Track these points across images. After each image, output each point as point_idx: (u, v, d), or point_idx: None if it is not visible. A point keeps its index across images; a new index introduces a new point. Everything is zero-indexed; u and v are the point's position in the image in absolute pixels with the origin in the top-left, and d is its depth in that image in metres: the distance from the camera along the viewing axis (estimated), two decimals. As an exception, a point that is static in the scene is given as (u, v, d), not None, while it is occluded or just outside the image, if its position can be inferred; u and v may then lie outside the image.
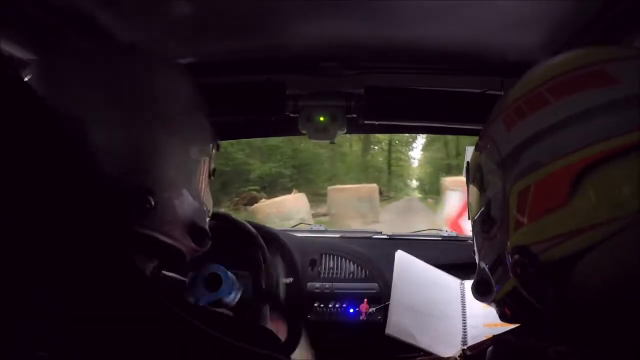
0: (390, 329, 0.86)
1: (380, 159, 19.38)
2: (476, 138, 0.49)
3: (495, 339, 0.40)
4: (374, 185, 9.43)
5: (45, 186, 0.33)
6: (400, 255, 1.02)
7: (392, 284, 0.94)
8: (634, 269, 0.33)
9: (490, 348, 0.39)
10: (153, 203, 0.43)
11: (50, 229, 0.34)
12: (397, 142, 19.15)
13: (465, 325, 0.90)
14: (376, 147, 19.07)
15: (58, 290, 0.34)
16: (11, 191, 0.31)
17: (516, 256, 0.38)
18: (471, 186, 0.49)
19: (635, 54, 0.38)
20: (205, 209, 0.53)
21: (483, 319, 0.89)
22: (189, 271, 0.90)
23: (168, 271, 0.54)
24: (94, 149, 0.40)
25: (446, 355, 0.82)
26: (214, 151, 0.56)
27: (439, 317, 0.92)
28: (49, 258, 0.34)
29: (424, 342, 0.85)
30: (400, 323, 0.87)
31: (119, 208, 0.41)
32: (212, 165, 0.55)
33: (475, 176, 0.47)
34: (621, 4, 0.57)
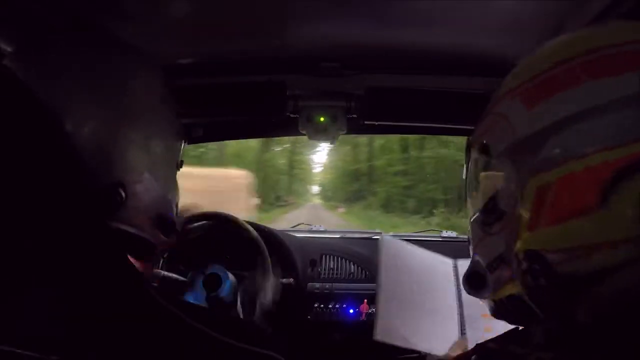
0: (379, 334, 0.80)
1: (282, 161, 17.16)
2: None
3: (479, 348, 0.39)
4: (241, 173, 5.89)
5: (33, 182, 0.33)
6: (386, 241, 0.93)
7: (378, 278, 0.86)
8: None
9: (474, 356, 0.39)
10: (124, 196, 0.43)
11: (45, 226, 0.34)
12: (300, 143, 15.88)
13: (462, 315, 0.87)
14: (278, 148, 16.66)
15: (56, 290, 0.34)
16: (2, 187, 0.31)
17: (527, 263, 0.32)
18: (472, 168, 0.43)
19: None
20: (172, 199, 0.53)
21: (481, 309, 0.83)
22: (189, 271, 0.90)
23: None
24: (68, 142, 0.40)
25: (442, 353, 0.81)
26: (182, 144, 0.56)
27: (433, 310, 0.87)
28: (46, 257, 0.34)
29: (418, 342, 0.82)
30: (390, 326, 0.82)
31: (92, 202, 0.40)
32: (180, 158, 0.56)
33: (479, 158, 0.40)
34: (623, 4, 0.56)
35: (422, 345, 0.82)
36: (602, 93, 0.29)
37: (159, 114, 0.50)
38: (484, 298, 0.43)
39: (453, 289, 0.92)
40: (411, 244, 0.98)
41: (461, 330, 0.86)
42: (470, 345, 0.83)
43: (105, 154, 0.43)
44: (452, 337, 0.85)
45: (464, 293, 0.89)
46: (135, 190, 0.45)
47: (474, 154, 0.42)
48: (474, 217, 0.41)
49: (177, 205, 0.55)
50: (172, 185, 0.54)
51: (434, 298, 0.90)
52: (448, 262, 0.97)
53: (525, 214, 0.32)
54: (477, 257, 0.42)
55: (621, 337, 0.29)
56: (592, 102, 0.29)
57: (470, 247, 0.45)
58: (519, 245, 0.33)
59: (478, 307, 0.84)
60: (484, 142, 0.39)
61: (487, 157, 0.38)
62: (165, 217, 0.51)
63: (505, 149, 0.35)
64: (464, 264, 0.95)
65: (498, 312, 0.42)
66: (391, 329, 0.82)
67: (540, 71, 0.34)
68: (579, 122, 0.30)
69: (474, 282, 0.42)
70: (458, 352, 0.80)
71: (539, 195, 0.31)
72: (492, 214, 0.37)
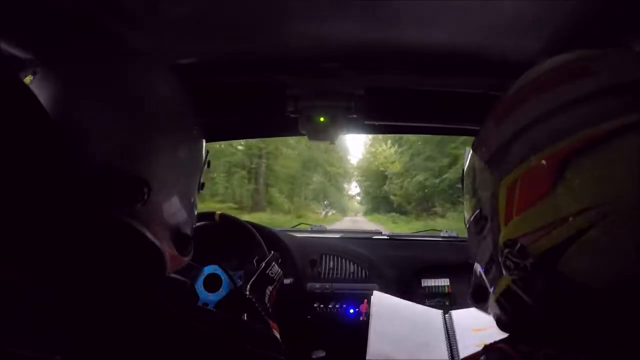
0: (371, 355, 0.84)
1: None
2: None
3: (487, 348, 0.40)
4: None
5: (38, 178, 0.33)
6: (377, 296, 1.01)
7: (370, 320, 0.92)
8: (619, 256, 0.33)
9: (482, 357, 0.39)
10: (146, 195, 0.44)
11: (47, 224, 0.34)
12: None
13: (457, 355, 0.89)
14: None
15: (57, 289, 0.34)
16: (9, 183, 0.31)
17: (506, 250, 0.38)
18: (466, 188, 0.50)
19: (611, 50, 0.40)
20: (192, 218, 0.54)
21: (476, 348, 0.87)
22: (189, 271, 0.90)
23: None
24: (93, 144, 0.41)
25: None
26: (205, 167, 0.57)
27: (424, 345, 0.90)
28: (48, 255, 0.34)
29: None
30: (381, 350, 0.85)
31: (114, 192, 0.42)
32: (202, 180, 0.57)
33: (468, 178, 0.49)
34: (621, 5, 0.57)
35: None
36: (545, 104, 0.38)
37: (186, 130, 0.51)
38: (488, 311, 0.47)
39: (443, 338, 0.93)
40: (401, 300, 1.01)
41: None
42: None
43: (132, 155, 0.44)
44: None
45: (457, 338, 0.90)
46: (159, 196, 0.46)
47: (466, 175, 0.50)
48: (470, 230, 0.47)
49: (193, 225, 0.55)
50: (192, 203, 0.54)
51: (424, 338, 0.92)
52: (437, 312, 0.99)
53: (502, 212, 0.40)
54: (478, 269, 0.47)
55: (612, 321, 0.34)
56: (538, 112, 0.38)
57: (473, 261, 0.49)
58: (500, 239, 0.40)
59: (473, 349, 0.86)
60: (472, 163, 0.48)
61: (474, 175, 0.47)
62: (182, 232, 0.51)
63: (484, 165, 0.44)
64: (457, 314, 0.97)
65: (499, 316, 0.44)
66: (382, 352, 0.84)
67: (505, 98, 0.43)
68: (531, 128, 0.38)
69: (476, 295, 0.47)
70: None
71: (509, 192, 0.39)
72: (480, 221, 0.44)
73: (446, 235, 1.38)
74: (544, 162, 0.36)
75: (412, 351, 0.87)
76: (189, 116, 0.52)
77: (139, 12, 0.63)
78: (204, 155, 0.56)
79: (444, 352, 0.88)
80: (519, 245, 0.37)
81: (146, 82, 0.47)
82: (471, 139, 0.49)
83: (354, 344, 1.05)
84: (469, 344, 0.87)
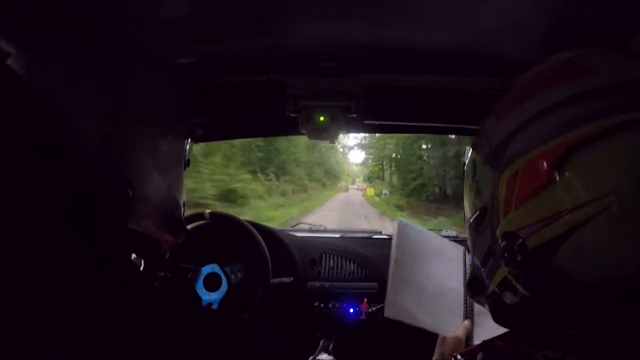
0: (390, 311, 0.82)
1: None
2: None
3: (485, 345, 0.41)
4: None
5: (32, 182, 0.33)
6: (401, 224, 0.97)
7: (391, 258, 0.90)
8: (615, 251, 0.34)
9: (480, 354, 0.39)
10: (131, 194, 0.43)
11: (46, 227, 0.34)
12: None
13: (467, 299, 0.88)
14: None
15: (57, 290, 0.35)
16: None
17: (504, 242, 0.39)
18: (467, 185, 0.51)
19: (607, 49, 0.42)
20: (179, 199, 0.54)
21: None
22: (188, 271, 0.90)
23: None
24: (73, 141, 0.40)
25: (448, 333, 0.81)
26: (188, 143, 0.57)
27: (441, 294, 0.89)
28: (47, 257, 0.34)
29: (426, 321, 0.83)
30: (400, 303, 0.84)
31: (99, 200, 0.41)
32: (187, 157, 0.56)
33: (469, 173, 0.49)
34: (620, 4, 0.57)
35: (429, 324, 0.83)
36: (547, 99, 0.39)
37: (166, 113, 0.50)
38: (484, 303, 0.47)
39: (460, 274, 0.93)
40: (424, 230, 1.01)
41: (465, 313, 0.87)
42: (478, 330, 0.84)
43: (112, 153, 0.43)
44: (458, 319, 0.86)
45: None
46: (143, 189, 0.46)
47: (467, 169, 0.50)
48: (469, 222, 0.47)
49: (184, 204, 0.56)
50: (180, 185, 0.54)
51: (443, 282, 0.91)
52: (459, 248, 0.99)
53: (501, 205, 0.40)
54: (475, 261, 0.47)
55: (611, 317, 0.35)
56: (540, 107, 0.39)
57: (470, 254, 0.49)
58: (498, 231, 0.41)
59: None
60: (473, 158, 0.48)
61: (475, 169, 0.47)
62: (172, 217, 0.51)
63: (485, 158, 0.44)
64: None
65: (495, 308, 0.45)
66: (400, 307, 0.83)
67: (508, 95, 0.45)
68: (533, 122, 0.39)
69: (472, 287, 0.48)
70: (462, 334, 0.80)
71: (509, 185, 0.39)
72: (479, 215, 0.45)
73: (446, 234, 1.38)
74: (543, 155, 0.36)
75: (432, 304, 0.86)
76: (173, 108, 0.52)
77: (139, 12, 0.63)
78: (186, 134, 0.56)
79: (460, 312, 0.87)
80: (516, 237, 0.38)
81: (129, 79, 0.47)
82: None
83: (354, 343, 1.05)
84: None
